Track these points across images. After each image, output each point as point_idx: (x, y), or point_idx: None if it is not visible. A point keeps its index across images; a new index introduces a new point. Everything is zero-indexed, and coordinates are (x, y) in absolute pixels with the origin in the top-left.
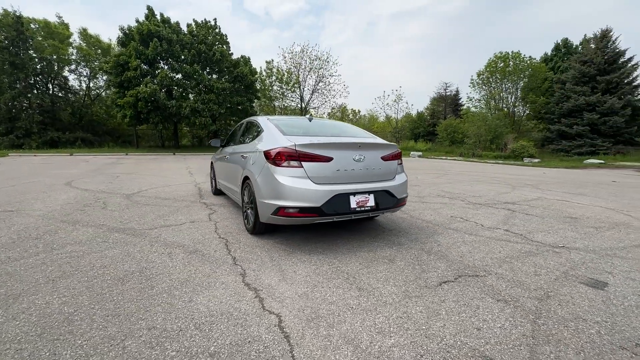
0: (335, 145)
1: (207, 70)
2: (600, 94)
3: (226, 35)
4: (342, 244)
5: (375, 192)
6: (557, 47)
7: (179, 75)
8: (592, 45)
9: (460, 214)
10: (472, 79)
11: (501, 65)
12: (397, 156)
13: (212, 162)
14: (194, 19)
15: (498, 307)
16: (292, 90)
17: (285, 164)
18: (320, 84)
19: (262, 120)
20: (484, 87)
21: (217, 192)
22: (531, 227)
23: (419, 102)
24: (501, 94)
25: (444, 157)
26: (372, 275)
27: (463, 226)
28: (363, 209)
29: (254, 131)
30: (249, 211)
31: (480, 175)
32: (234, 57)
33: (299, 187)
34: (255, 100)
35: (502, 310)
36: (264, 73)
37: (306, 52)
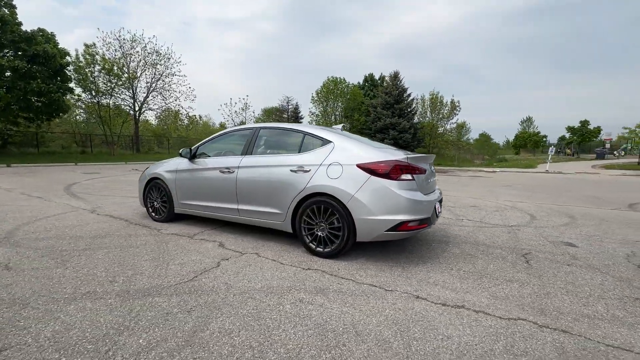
0: (421, 158)
1: None
2: (397, 117)
3: None
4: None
5: (440, 200)
6: (366, 79)
7: None
8: (389, 82)
9: None
10: (312, 97)
11: (332, 87)
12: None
13: (151, 179)
14: None
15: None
16: (126, 86)
17: (403, 177)
18: (160, 83)
19: (317, 130)
20: (321, 104)
21: (170, 216)
22: None
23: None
24: (333, 111)
25: None
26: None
27: None
28: (438, 216)
29: (300, 141)
30: (320, 233)
31: None
32: (27, 28)
33: (417, 199)
34: (69, 93)
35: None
36: (81, 59)
37: (140, 43)
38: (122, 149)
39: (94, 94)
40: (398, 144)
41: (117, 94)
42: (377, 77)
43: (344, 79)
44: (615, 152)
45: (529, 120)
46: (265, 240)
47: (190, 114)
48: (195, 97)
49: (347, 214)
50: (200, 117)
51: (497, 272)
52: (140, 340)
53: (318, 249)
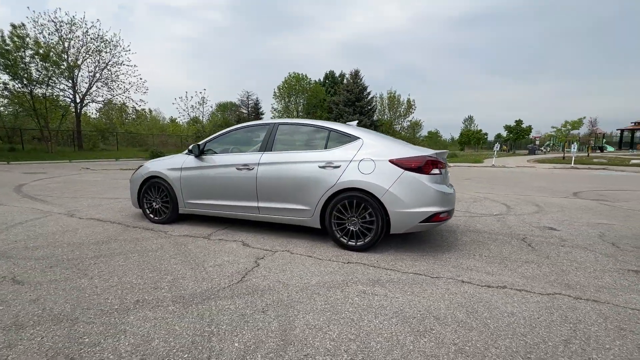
0: (442, 153)
1: None
2: (358, 114)
3: None
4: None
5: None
6: (326, 76)
7: None
8: (350, 80)
9: None
10: (274, 92)
11: (294, 83)
12: None
13: (148, 179)
14: None
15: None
16: (65, 75)
17: (433, 171)
18: (105, 72)
19: (341, 126)
20: (283, 100)
21: (173, 217)
22: None
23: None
24: (296, 107)
25: None
26: None
27: None
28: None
29: (325, 138)
30: (352, 227)
31: None
32: None
33: (445, 191)
34: None
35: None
36: (8, 41)
37: (80, 27)
38: (60, 146)
39: (25, 82)
40: None
41: (54, 83)
42: (337, 74)
43: (306, 76)
44: (542, 149)
45: (470, 119)
46: (286, 237)
47: (141, 108)
48: (147, 89)
49: (381, 207)
50: (150, 111)
51: (513, 255)
52: (236, 344)
53: (350, 242)
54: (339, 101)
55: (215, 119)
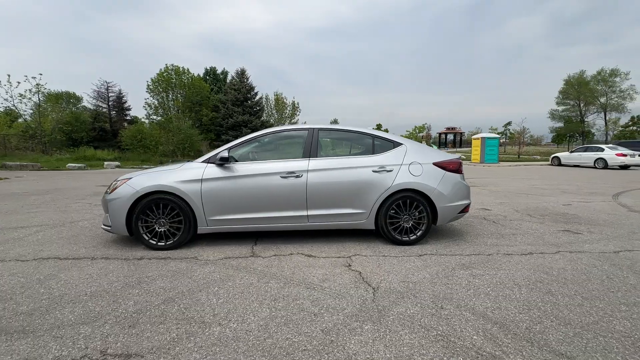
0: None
1: None
2: (248, 115)
3: None
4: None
5: None
6: (207, 72)
7: None
8: (236, 78)
9: None
10: (147, 85)
11: (174, 76)
12: None
13: (143, 196)
14: None
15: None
16: None
17: (462, 171)
18: None
19: (381, 133)
20: (158, 94)
21: (187, 239)
22: None
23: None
24: (176, 103)
25: (146, 166)
26: None
27: None
28: None
29: (371, 144)
30: (405, 224)
31: None
32: None
33: (469, 187)
34: None
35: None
36: None
37: None
38: None
39: None
40: None
41: None
42: (219, 71)
43: (188, 69)
44: None
45: (335, 122)
46: (337, 243)
47: None
48: None
49: (430, 204)
50: None
51: (531, 231)
52: (477, 336)
53: (404, 238)
54: (226, 100)
55: (44, 112)
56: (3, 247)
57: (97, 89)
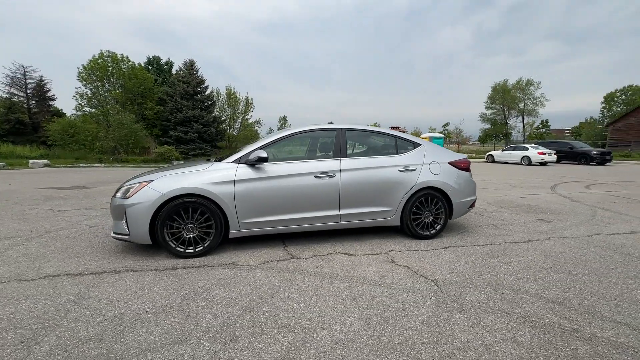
0: None
1: None
2: (199, 109)
3: None
4: None
5: None
6: (150, 62)
7: None
8: (185, 70)
9: None
10: (79, 72)
11: (111, 64)
12: None
13: (168, 201)
14: None
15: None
16: None
17: (470, 169)
18: None
19: (401, 134)
20: (92, 84)
21: (217, 244)
22: None
23: None
24: (113, 94)
25: (84, 165)
26: None
27: None
28: None
29: (394, 144)
30: (426, 220)
31: None
32: None
33: (475, 184)
34: None
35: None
36: None
37: None
38: None
39: None
40: (203, 138)
41: None
42: (163, 61)
43: (127, 57)
44: None
45: (284, 119)
46: (364, 240)
47: None
48: None
49: (447, 200)
50: None
51: (515, 221)
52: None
53: (425, 232)
54: (174, 93)
55: None
56: None
57: (12, 74)
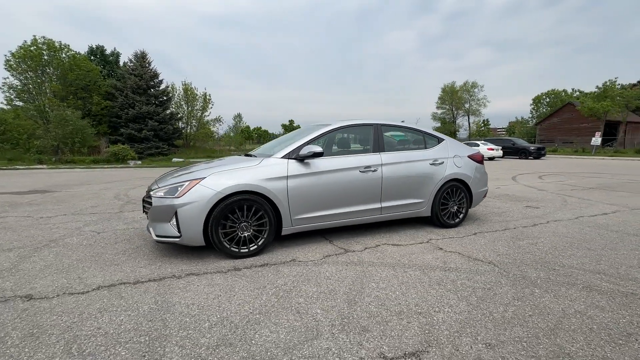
0: None
1: None
2: (154, 105)
3: None
4: None
5: None
6: (93, 52)
7: None
8: (136, 62)
9: None
10: (8, 61)
11: (46, 52)
12: None
13: (223, 199)
14: None
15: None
16: None
17: (483, 162)
18: None
19: (426, 129)
20: (24, 74)
21: (269, 242)
22: None
23: None
24: (50, 87)
25: (22, 167)
26: None
27: None
28: None
29: (422, 139)
30: (452, 209)
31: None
32: None
33: (487, 175)
34: None
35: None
36: None
37: None
38: None
39: None
40: (159, 137)
41: None
42: (108, 52)
43: (68, 46)
44: None
45: (239, 117)
46: (400, 231)
47: None
48: None
49: (468, 190)
50: None
51: (510, 209)
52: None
53: (451, 222)
54: (124, 87)
55: None
56: (9, 281)
57: None
